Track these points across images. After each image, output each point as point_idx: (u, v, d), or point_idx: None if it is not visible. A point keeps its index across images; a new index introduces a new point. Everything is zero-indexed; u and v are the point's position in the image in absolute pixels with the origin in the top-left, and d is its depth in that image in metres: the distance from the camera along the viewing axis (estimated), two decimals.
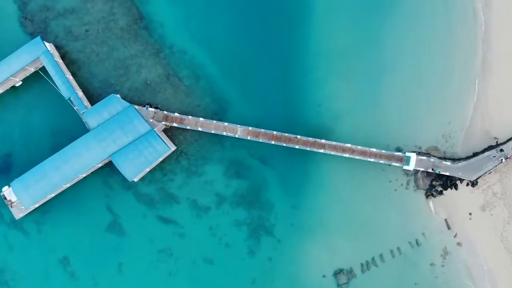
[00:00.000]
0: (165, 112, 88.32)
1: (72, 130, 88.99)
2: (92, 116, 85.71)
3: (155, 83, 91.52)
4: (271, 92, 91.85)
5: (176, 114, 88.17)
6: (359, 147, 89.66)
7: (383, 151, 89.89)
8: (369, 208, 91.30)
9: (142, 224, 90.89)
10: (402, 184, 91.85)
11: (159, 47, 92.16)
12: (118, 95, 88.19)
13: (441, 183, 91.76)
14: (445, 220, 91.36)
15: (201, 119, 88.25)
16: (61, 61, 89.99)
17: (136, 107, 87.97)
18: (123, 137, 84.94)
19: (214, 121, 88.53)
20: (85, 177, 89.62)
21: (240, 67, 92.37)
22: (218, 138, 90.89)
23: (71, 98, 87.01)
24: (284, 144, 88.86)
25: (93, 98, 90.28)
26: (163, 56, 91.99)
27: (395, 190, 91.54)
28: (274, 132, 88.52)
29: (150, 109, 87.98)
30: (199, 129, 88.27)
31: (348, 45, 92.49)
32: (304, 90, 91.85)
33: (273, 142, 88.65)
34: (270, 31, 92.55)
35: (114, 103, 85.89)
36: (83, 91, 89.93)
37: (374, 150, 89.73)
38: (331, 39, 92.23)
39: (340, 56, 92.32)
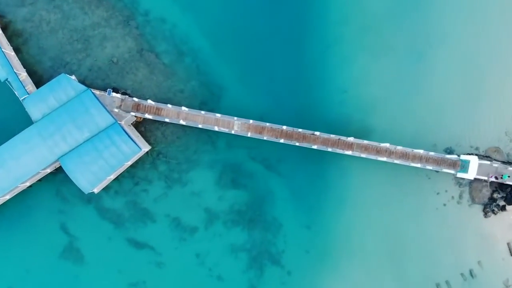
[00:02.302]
0: (135, 99, 65.09)
1: (13, 123, 66.15)
2: (35, 103, 62.69)
3: (124, 61, 68.37)
4: (280, 74, 68.54)
5: (151, 102, 64.87)
6: (399, 147, 66.31)
7: (431, 153, 66.72)
8: (410, 229, 68.54)
9: (107, 250, 68.03)
10: (453, 197, 69.08)
11: (130, 13, 68.95)
12: (73, 76, 65.19)
13: (504, 195, 69.05)
14: (508, 244, 68.94)
15: (184, 108, 64.88)
16: (0, 32, 67.29)
17: (96, 92, 64.92)
18: (77, 133, 61.99)
19: (203, 112, 65.23)
20: (30, 186, 66.83)
21: (238, 40, 69.13)
22: (208, 135, 67.73)
23: (8, 80, 64.24)
24: (297, 144, 65.55)
25: (42, 81, 67.26)
26: (134, 25, 68.77)
27: (444, 204, 68.91)
28: (284, 127, 65.14)
29: (115, 94, 64.80)
30: (182, 122, 64.98)
31: (384, 8, 69.02)
32: (324, 70, 68.55)
33: (282, 141, 65.28)
34: None
35: (65, 86, 62.88)
36: (29, 72, 66.94)
37: (420, 152, 66.43)
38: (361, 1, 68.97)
39: (373, 24, 69.05)
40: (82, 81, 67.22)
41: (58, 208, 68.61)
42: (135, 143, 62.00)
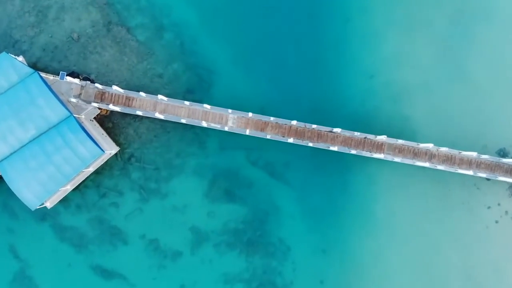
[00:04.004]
0: (99, 86, 49.76)
1: None
2: None
3: (87, 37, 53.09)
4: (288, 54, 53.24)
5: (119, 89, 49.52)
6: (442, 149, 50.96)
7: (483, 156, 51.39)
8: (454, 253, 53.61)
9: (66, 279, 52.76)
10: (507, 212, 54.07)
11: None
12: (21, 57, 50.11)
13: None
14: None
15: (162, 98, 49.51)
16: None
17: (49, 77, 49.80)
18: (19, 131, 46.77)
19: (187, 103, 49.87)
20: None
21: (234, 11, 53.91)
22: (194, 132, 52.46)
23: None
24: (311, 144, 50.20)
25: None
26: None
27: (496, 221, 54.12)
28: (293, 123, 49.77)
29: (71, 79, 49.43)
30: (160, 116, 49.63)
31: None
32: (344, 50, 53.48)
33: (290, 140, 49.90)
34: None
35: (6, 69, 47.55)
36: None
37: (470, 155, 51.10)
38: None
39: None
40: (33, 64, 52.12)
41: (6, 226, 53.46)
42: (95, 143, 46.73)
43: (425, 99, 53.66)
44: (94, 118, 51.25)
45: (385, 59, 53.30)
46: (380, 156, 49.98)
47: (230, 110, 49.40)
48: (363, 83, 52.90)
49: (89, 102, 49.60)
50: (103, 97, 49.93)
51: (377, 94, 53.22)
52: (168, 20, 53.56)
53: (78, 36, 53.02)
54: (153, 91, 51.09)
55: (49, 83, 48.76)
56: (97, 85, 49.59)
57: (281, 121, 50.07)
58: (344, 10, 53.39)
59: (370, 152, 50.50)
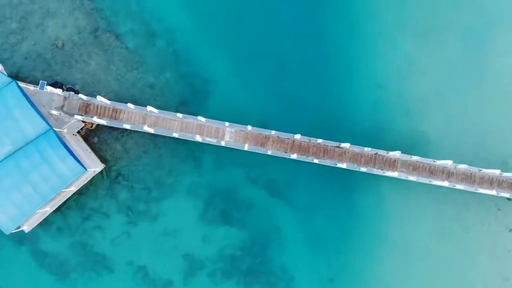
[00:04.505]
0: (83, 97, 45.27)
1: None
2: None
3: (72, 44, 48.88)
4: (290, 62, 48.94)
5: (105, 101, 44.99)
6: (461, 166, 46.21)
7: (505, 174, 46.65)
8: (475, 279, 48.36)
9: None
10: None
11: None
12: (0, 67, 45.82)
13: None
14: None
15: (152, 110, 44.93)
16: None
17: (29, 88, 45.44)
18: None
19: (180, 116, 45.27)
20: None
21: (232, 16, 49.87)
22: (188, 148, 47.75)
23: None
24: (316, 161, 45.41)
25: None
26: None
27: None
28: (297, 137, 45.09)
29: (52, 89, 44.93)
30: (150, 130, 44.96)
31: None
32: (351, 57, 49.19)
33: (293, 157, 45.12)
34: None
35: None
36: None
37: (491, 173, 46.33)
38: None
39: None
40: (14, 74, 47.83)
41: None
42: (77, 160, 42.01)
43: (440, 111, 49.19)
44: (78, 132, 46.64)
45: (394, 67, 49.00)
46: (394, 174, 45.13)
47: (227, 123, 44.75)
48: (371, 93, 48.47)
49: (72, 115, 45.06)
50: (87, 109, 45.41)
51: (387, 106, 48.76)
52: (160, 26, 49.46)
53: (63, 44, 48.84)
54: (143, 103, 46.57)
55: (29, 94, 44.35)
56: (81, 96, 45.12)
57: (283, 135, 45.38)
58: (350, 15, 49.33)
59: (382, 169, 45.69)
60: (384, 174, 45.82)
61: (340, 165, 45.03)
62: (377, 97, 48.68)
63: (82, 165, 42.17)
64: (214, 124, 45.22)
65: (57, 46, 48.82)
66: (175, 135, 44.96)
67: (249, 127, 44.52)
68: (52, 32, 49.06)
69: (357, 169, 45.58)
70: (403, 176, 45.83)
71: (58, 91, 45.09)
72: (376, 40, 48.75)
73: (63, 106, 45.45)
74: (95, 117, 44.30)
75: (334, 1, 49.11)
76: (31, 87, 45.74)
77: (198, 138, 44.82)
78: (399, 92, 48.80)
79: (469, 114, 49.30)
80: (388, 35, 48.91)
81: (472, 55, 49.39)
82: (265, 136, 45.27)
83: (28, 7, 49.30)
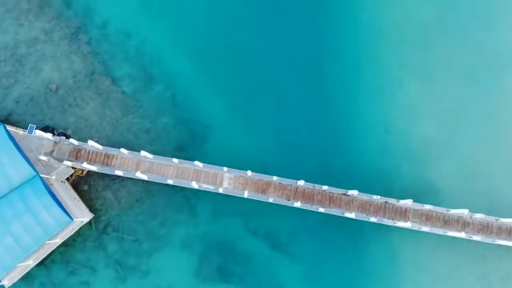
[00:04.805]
0: (74, 142, 42.91)
1: None
2: None
3: (67, 88, 47.26)
4: (291, 105, 47.03)
5: (97, 146, 42.54)
6: (477, 216, 42.97)
7: None
8: None
9: None
10: None
11: (81, 24, 48.96)
12: None
13: None
14: None
15: (147, 155, 42.34)
16: None
17: (19, 132, 43.23)
18: None
19: (176, 161, 42.59)
20: None
21: (232, 59, 48.59)
22: (183, 196, 44.59)
23: None
24: (322, 210, 42.14)
25: None
26: (85, 40, 48.52)
27: None
28: (300, 184, 42.09)
29: (43, 134, 42.67)
30: (143, 177, 42.12)
31: (434, 15, 49.25)
32: (356, 101, 47.39)
33: (297, 205, 41.89)
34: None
35: None
36: None
37: (509, 222, 42.91)
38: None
39: (421, 38, 48.77)
40: (4, 118, 45.82)
41: None
42: (63, 209, 38.91)
43: (450, 156, 46.54)
44: (67, 179, 43.79)
45: (402, 111, 46.97)
46: (406, 224, 41.63)
47: (225, 168, 41.97)
48: (378, 138, 46.05)
49: (62, 161, 42.47)
50: (78, 154, 42.90)
51: (394, 151, 46.17)
52: (159, 70, 48.10)
53: (57, 87, 47.24)
54: (138, 148, 44.02)
55: (18, 138, 42.16)
56: (72, 140, 42.78)
57: (285, 181, 42.43)
58: (355, 58, 48.02)
59: (393, 219, 42.25)
60: (395, 225, 42.32)
61: (348, 214, 41.67)
62: (384, 142, 46.22)
63: (68, 214, 39.02)
64: (212, 169, 42.46)
65: (50, 90, 47.20)
66: (170, 182, 42.06)
67: (249, 173, 41.67)
68: (47, 76, 47.64)
69: (366, 219, 42.15)
70: (415, 227, 42.32)
71: (48, 135, 42.84)
72: (382, 83, 47.11)
73: (52, 151, 43.00)
74: (85, 163, 41.64)
75: (339, 44, 47.95)
76: (20, 131, 43.53)
77: (195, 185, 41.85)
78: (407, 137, 46.41)
79: (482, 159, 46.61)
80: (394, 79, 47.32)
81: (482, 98, 47.55)
82: (266, 182, 42.30)
83: (24, 50, 48.24)
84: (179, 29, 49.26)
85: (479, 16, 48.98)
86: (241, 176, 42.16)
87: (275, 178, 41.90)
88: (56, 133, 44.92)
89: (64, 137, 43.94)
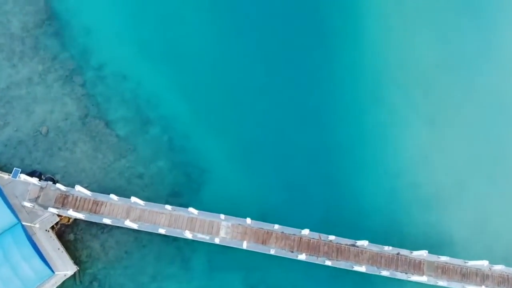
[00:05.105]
0: (62, 187, 40.04)
1: None
2: None
3: (58, 131, 45.08)
4: (294, 149, 44.51)
5: (85, 192, 39.61)
6: (496, 268, 39.32)
7: None
8: None
9: None
10: None
11: (76, 66, 47.59)
12: None
13: None
14: None
15: (137, 201, 39.28)
16: None
17: (4, 176, 40.53)
18: None
19: (169, 208, 39.42)
20: None
21: (231, 102, 46.72)
22: (176, 247, 40.90)
23: None
24: (329, 263, 38.39)
25: None
26: (80, 82, 46.95)
27: None
28: (305, 233, 38.66)
29: (28, 179, 39.86)
30: (132, 225, 38.82)
31: (446, 59, 47.85)
32: (363, 145, 44.83)
33: (301, 257, 38.19)
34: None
35: None
36: None
37: None
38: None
39: (431, 81, 47.07)
40: None
41: None
42: (44, 261, 35.41)
43: (466, 203, 43.43)
44: (52, 227, 40.48)
45: (412, 155, 44.40)
46: (422, 279, 37.69)
47: (222, 216, 38.70)
48: (388, 184, 43.11)
49: (47, 207, 39.40)
50: (65, 201, 39.91)
51: (406, 198, 43.07)
52: (155, 112, 46.11)
53: (48, 130, 45.07)
54: (129, 195, 40.98)
55: (3, 183, 39.55)
56: (59, 186, 39.93)
57: (288, 230, 39.03)
58: (361, 99, 46.15)
59: (407, 273, 38.36)
60: (409, 279, 38.35)
61: (357, 268, 37.84)
62: (394, 188, 43.23)
63: (49, 267, 35.51)
64: (208, 217, 39.21)
65: (41, 133, 44.99)
66: (162, 231, 38.70)
67: (249, 221, 38.31)
68: (38, 118, 45.60)
69: (377, 273, 38.27)
70: (432, 281, 38.37)
71: (34, 180, 40.05)
72: (390, 126, 44.94)
73: (38, 197, 40.06)
74: (72, 210, 38.50)
75: (346, 86, 46.24)
76: (5, 176, 40.80)
77: (188, 235, 38.42)
78: (418, 182, 43.48)
79: (499, 206, 43.50)
80: (403, 122, 45.17)
81: (495, 141, 45.11)
82: (267, 232, 38.87)
83: (16, 92, 46.53)
84: (177, 71, 47.85)
85: (488, 58, 47.57)
86: (239, 224, 38.81)
87: (276, 226, 38.50)
88: (44, 178, 42.19)
89: (51, 182, 41.15)
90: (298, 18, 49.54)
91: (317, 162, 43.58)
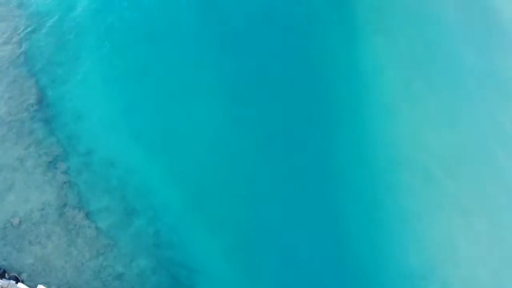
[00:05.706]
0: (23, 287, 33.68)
1: None
2: None
3: (31, 223, 39.67)
4: (301, 240, 38.70)
5: None
6: None
7: None
8: None
9: None
10: None
11: (61, 151, 43.75)
12: None
13: None
14: None
15: None
16: None
17: None
18: None
19: None
20: None
21: (227, 193, 42.06)
22: None
23: None
24: None
25: None
26: (62, 169, 42.65)
27: None
28: None
29: None
30: None
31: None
32: (379, 239, 39.07)
33: None
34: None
35: None
36: None
37: None
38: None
39: (448, 169, 42.91)
40: None
41: None
42: None
43: None
44: None
45: (437, 247, 38.36)
46: None
47: None
48: (413, 286, 36.37)
49: None
50: None
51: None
52: (143, 202, 41.11)
53: (20, 222, 39.72)
54: None
55: None
56: (21, 286, 33.51)
57: None
58: (373, 195, 41.33)
59: None
60: None
61: None
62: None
63: None
64: None
65: (12, 225, 39.59)
66: None
67: None
68: (11, 208, 40.51)
69: None
70: None
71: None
72: (413, 218, 39.51)
73: None
74: None
75: (357, 182, 41.72)
76: None
77: None
78: (447, 282, 36.83)
79: None
80: (424, 213, 39.85)
81: None
82: None
83: None
84: (169, 160, 44.02)
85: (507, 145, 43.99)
86: None
87: None
88: (7, 277, 35.90)
89: (13, 282, 34.81)
90: (301, 117, 46.58)
91: (327, 262, 37.50)
